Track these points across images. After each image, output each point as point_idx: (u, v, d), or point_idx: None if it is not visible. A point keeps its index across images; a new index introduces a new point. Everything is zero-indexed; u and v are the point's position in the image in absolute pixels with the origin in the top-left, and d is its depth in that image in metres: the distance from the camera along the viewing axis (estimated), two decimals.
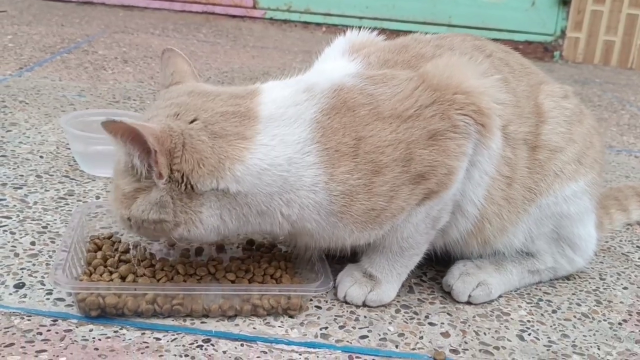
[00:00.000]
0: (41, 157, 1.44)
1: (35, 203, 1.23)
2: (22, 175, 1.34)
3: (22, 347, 0.83)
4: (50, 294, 0.95)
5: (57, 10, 3.21)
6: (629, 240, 1.35)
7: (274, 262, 1.03)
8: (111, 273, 0.96)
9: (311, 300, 0.99)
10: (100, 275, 0.96)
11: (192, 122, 0.87)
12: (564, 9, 3.46)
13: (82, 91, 1.95)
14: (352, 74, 0.96)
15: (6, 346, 0.83)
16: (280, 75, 0.99)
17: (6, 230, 1.12)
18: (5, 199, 1.23)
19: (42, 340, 0.85)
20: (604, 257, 1.27)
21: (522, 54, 3.25)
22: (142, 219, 0.87)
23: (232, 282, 0.98)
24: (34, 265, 1.02)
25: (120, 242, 1.06)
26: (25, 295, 0.94)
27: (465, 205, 1.00)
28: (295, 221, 0.90)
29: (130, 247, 1.04)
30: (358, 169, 0.89)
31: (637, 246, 1.33)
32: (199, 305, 0.92)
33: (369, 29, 1.13)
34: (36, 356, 0.82)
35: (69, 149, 1.46)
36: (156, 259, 1.01)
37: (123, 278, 0.95)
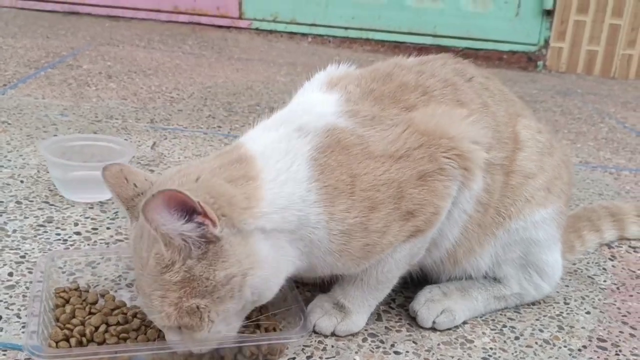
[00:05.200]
0: (22, 181, 1.47)
1: (15, 231, 1.25)
2: (2, 202, 1.36)
3: None
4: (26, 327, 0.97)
5: (42, 21, 3.22)
6: (595, 263, 1.39)
7: None
8: (83, 325, 0.95)
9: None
10: (71, 331, 0.93)
11: (197, 179, 0.86)
12: (548, 19, 3.50)
13: (64, 110, 1.97)
14: (341, 113, 0.98)
15: None
16: (256, 120, 1.01)
17: None
18: None
19: None
20: (570, 280, 1.31)
21: (506, 63, 3.32)
22: (211, 286, 0.82)
23: None
24: (10, 297, 1.05)
25: (88, 291, 1.05)
26: (1, 329, 0.97)
27: (441, 241, 1.05)
28: (307, 254, 0.92)
29: (99, 297, 1.03)
30: (355, 207, 0.92)
31: (604, 268, 1.37)
32: (180, 357, 0.91)
33: (349, 64, 1.14)
34: None
35: (49, 172, 1.49)
36: (127, 307, 1.01)
37: (96, 328, 0.95)
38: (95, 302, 1.03)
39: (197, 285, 0.83)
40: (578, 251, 1.38)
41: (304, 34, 3.52)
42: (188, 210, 0.80)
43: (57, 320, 0.97)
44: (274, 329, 1.00)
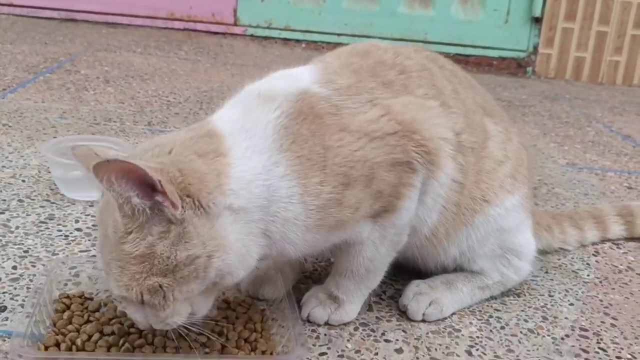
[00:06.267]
0: (23, 181, 1.51)
1: (17, 227, 1.29)
2: (5, 200, 1.40)
3: None
4: (29, 317, 1.01)
5: (41, 28, 3.26)
6: (580, 258, 1.44)
7: (249, 324, 1.02)
8: (78, 332, 0.95)
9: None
10: (64, 336, 0.94)
11: (170, 152, 0.86)
12: (536, 27, 3.58)
13: (64, 113, 2.02)
14: (315, 79, 0.97)
15: None
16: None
17: None
18: None
19: None
20: (554, 274, 1.35)
21: (496, 69, 3.40)
22: (172, 265, 0.81)
23: (204, 344, 0.95)
24: (15, 289, 1.09)
25: (92, 300, 1.04)
26: (7, 319, 1.01)
27: (421, 227, 1.08)
28: (278, 241, 0.91)
29: (102, 305, 1.02)
30: (328, 181, 0.90)
31: (587, 263, 1.42)
32: None
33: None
34: None
35: (50, 172, 1.53)
36: (126, 317, 0.96)
37: (89, 337, 0.94)
38: (97, 310, 1.01)
39: (158, 263, 0.80)
40: (557, 237, 1.41)
41: (297, 40, 3.57)
42: (148, 184, 0.78)
43: (54, 325, 0.97)
44: (271, 353, 0.98)
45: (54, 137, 1.75)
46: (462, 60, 3.61)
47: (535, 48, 3.60)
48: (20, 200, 1.41)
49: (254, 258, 0.90)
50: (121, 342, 0.93)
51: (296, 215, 0.90)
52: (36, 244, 1.24)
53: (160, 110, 2.18)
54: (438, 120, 1.04)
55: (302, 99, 0.92)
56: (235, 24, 3.55)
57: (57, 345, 0.93)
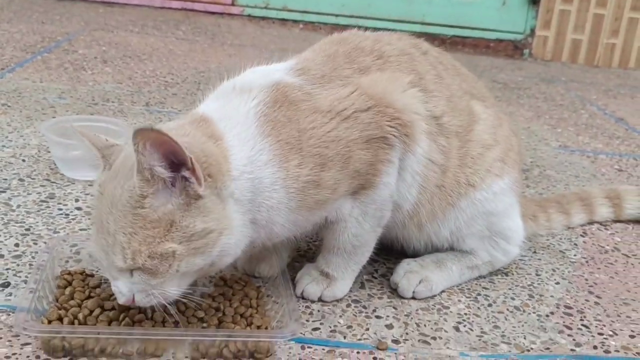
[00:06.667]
0: (23, 160, 1.53)
1: (19, 206, 1.32)
2: (6, 179, 1.43)
3: (9, 340, 0.93)
4: (32, 293, 1.04)
5: (37, 7, 3.26)
6: (567, 239, 1.48)
7: (245, 300, 1.05)
8: (80, 307, 0.98)
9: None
10: (67, 311, 0.97)
11: (186, 134, 0.90)
12: (534, 8, 3.58)
13: (62, 93, 2.03)
14: (289, 70, 1.01)
15: None
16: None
17: None
18: None
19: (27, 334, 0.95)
20: (542, 254, 1.39)
21: (493, 51, 3.39)
22: (189, 234, 0.85)
23: (201, 319, 0.99)
24: (18, 265, 1.12)
25: (92, 276, 1.06)
26: (10, 294, 1.04)
27: (403, 203, 1.11)
28: (265, 226, 0.96)
29: (102, 281, 1.03)
30: (305, 163, 0.95)
31: (575, 244, 1.46)
32: (166, 343, 0.93)
33: None
34: (21, 348, 0.92)
35: (50, 152, 1.55)
36: None
37: (91, 312, 0.96)
38: (97, 287, 1.03)
39: (176, 230, 0.84)
40: (542, 225, 1.44)
41: (295, 21, 3.57)
42: (175, 159, 0.83)
43: (57, 300, 1.00)
44: (266, 328, 1.00)
45: (53, 117, 1.78)
46: (459, 42, 3.62)
47: (532, 30, 3.61)
48: (20, 180, 1.44)
49: (244, 245, 0.95)
50: (121, 317, 0.97)
51: (279, 200, 0.95)
52: (37, 222, 1.27)
53: (158, 90, 2.20)
54: (409, 92, 1.06)
55: (277, 89, 0.97)
56: (232, 4, 3.55)
57: (60, 319, 0.96)
